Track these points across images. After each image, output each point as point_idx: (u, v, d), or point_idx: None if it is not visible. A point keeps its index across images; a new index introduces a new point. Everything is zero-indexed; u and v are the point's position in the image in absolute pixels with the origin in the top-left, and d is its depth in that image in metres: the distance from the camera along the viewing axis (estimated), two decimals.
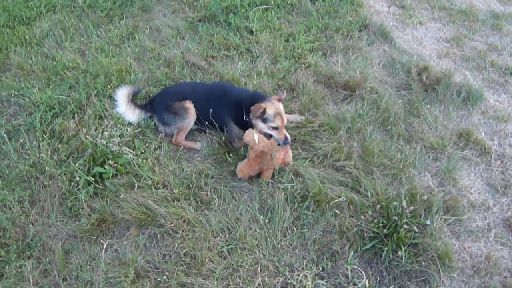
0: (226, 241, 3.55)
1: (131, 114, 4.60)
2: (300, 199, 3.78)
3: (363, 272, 3.37)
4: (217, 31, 6.15)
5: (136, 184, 3.90)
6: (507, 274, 3.42)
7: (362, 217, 3.62)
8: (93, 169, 4.01)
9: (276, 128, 4.01)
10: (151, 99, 4.82)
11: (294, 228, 3.63)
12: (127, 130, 4.37)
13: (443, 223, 3.68)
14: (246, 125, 4.17)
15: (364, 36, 6.14)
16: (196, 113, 4.43)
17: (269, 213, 3.70)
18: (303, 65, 5.45)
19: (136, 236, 3.65)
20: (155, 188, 3.91)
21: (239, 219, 3.67)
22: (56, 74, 5.46)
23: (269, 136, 4.06)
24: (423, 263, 3.36)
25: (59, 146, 4.35)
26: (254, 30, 6.07)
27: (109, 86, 5.04)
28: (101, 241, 3.64)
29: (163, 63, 5.57)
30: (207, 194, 3.89)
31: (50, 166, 4.09)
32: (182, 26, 6.33)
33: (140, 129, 4.53)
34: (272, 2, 6.68)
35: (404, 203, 3.50)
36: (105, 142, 4.05)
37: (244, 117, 4.17)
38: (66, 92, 5.09)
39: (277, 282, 3.31)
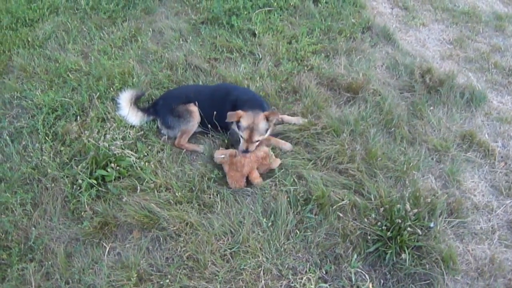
0: (229, 244, 3.52)
1: (134, 117, 4.59)
2: (303, 202, 3.76)
3: (366, 275, 3.34)
4: (219, 33, 6.12)
5: (138, 187, 3.88)
6: None
7: (366, 220, 3.56)
8: (95, 172, 4.00)
9: (242, 138, 4.04)
10: (154, 102, 4.81)
11: (297, 231, 3.60)
12: (129, 133, 4.36)
13: (447, 225, 3.65)
14: None
15: (367, 38, 6.09)
16: (201, 115, 4.42)
17: (272, 216, 3.67)
18: (306, 68, 5.40)
19: (139, 239, 3.63)
20: (157, 191, 3.89)
21: (242, 222, 3.64)
22: (59, 76, 5.44)
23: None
24: (427, 266, 3.32)
25: (62, 148, 4.35)
26: (257, 33, 6.02)
27: (111, 89, 5.03)
28: (104, 244, 3.62)
29: (166, 66, 5.54)
30: (210, 197, 3.86)
31: (53, 168, 4.08)
32: (184, 28, 6.31)
33: (142, 132, 4.50)
34: (275, 4, 6.65)
35: (407, 205, 3.47)
36: (107, 145, 4.04)
37: None
38: (68, 94, 5.06)
39: (280, 286, 3.29)
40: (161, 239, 3.60)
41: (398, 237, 3.37)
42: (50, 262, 3.50)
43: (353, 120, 4.52)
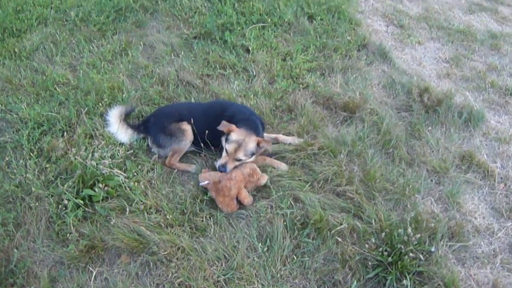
0: (223, 270, 3.35)
1: (123, 134, 4.42)
2: (300, 226, 3.62)
3: None
4: (212, 49, 6.00)
5: (127, 209, 3.70)
6: None
7: (365, 244, 3.44)
8: (82, 191, 3.82)
9: (226, 151, 3.93)
10: (144, 119, 4.66)
11: (294, 257, 3.45)
12: (118, 151, 4.17)
13: (448, 249, 3.55)
14: None
15: (363, 56, 6.06)
16: (194, 133, 4.27)
17: (268, 240, 3.53)
18: (301, 85, 5.32)
19: (128, 264, 3.45)
20: (147, 213, 3.71)
21: (236, 247, 3.48)
22: (46, 90, 5.28)
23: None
24: None
25: (47, 166, 4.15)
26: (250, 49, 5.93)
27: (100, 104, 4.87)
28: (90, 268, 3.42)
29: (157, 81, 5.40)
30: (202, 220, 3.69)
31: (37, 187, 3.88)
32: (176, 43, 6.18)
33: (132, 151, 4.33)
34: (269, 20, 6.56)
35: (409, 230, 3.36)
36: (95, 164, 3.86)
37: None
38: (55, 108, 4.90)
39: None
40: (151, 264, 3.42)
41: (399, 262, 3.26)
42: (32, 287, 3.31)
43: (351, 140, 4.40)
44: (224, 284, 3.28)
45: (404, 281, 3.19)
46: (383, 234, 3.49)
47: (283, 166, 4.20)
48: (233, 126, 3.92)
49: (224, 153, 3.94)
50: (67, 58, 5.98)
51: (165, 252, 3.42)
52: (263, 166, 4.10)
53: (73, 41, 6.33)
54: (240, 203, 3.81)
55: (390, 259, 3.27)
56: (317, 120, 4.73)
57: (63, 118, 4.73)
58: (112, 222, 3.61)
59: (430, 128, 4.77)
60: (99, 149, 4.10)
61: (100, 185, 3.76)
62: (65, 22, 6.88)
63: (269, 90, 5.23)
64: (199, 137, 4.24)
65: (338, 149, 4.30)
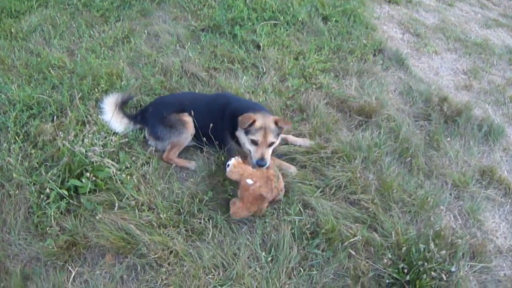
0: (220, 280, 2.99)
1: (118, 123, 4.07)
2: (309, 235, 3.30)
3: None
4: (221, 42, 5.71)
5: (116, 204, 3.32)
6: None
7: (381, 260, 3.14)
8: (68, 181, 3.45)
9: (255, 143, 3.58)
10: (143, 109, 4.33)
11: (301, 269, 3.12)
12: (111, 139, 3.78)
13: (469, 270, 3.25)
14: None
15: (379, 61, 5.78)
16: (196, 126, 3.92)
17: (273, 250, 3.20)
18: (314, 86, 5.02)
19: (112, 266, 3.08)
20: (138, 210, 3.34)
21: (237, 255, 3.15)
22: (39, 72, 4.99)
23: (248, 155, 3.70)
24: None
25: (32, 151, 3.80)
26: (261, 45, 5.65)
27: (96, 90, 4.55)
28: (69, 268, 3.06)
29: (159, 71, 5.09)
30: (200, 223, 3.35)
31: (19, 173, 3.51)
32: (183, 34, 5.87)
33: (127, 140, 3.98)
34: (282, 18, 6.29)
35: (432, 245, 3.04)
36: (84, 151, 3.46)
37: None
38: (47, 92, 4.60)
39: None
40: (139, 268, 3.06)
41: (417, 282, 2.96)
42: (2, 284, 2.99)
43: (366, 146, 4.10)
44: None
45: None
46: (401, 249, 3.16)
47: (292, 169, 3.84)
48: (253, 115, 3.55)
49: (251, 147, 3.61)
50: (66, 42, 5.68)
51: (156, 255, 3.05)
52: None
53: (74, 25, 6.03)
54: None
55: (408, 277, 2.98)
56: (330, 123, 4.44)
57: (55, 102, 4.41)
58: (98, 217, 3.24)
59: (449, 139, 4.50)
60: (90, 135, 3.69)
61: (88, 175, 3.37)
62: (67, 6, 6.56)
63: (280, 88, 4.95)
64: (200, 130, 3.88)
65: (353, 154, 3.99)
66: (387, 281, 3.05)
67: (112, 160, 3.62)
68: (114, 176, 3.47)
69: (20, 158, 3.71)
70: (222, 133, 3.81)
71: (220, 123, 3.76)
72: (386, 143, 4.26)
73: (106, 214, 3.29)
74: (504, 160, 4.47)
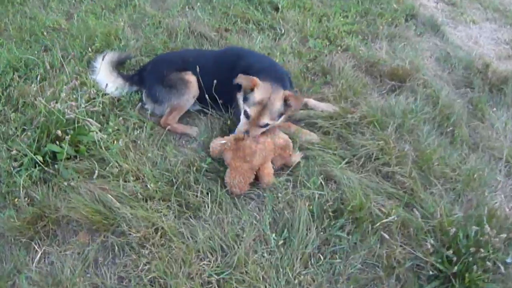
0: (217, 267, 2.46)
1: (111, 83, 3.51)
2: (332, 214, 2.74)
3: None
4: (234, 3, 5.20)
5: (96, 171, 2.78)
6: None
7: (423, 247, 2.60)
8: (45, 146, 2.92)
9: (246, 116, 3.06)
10: (140, 68, 3.82)
11: (321, 257, 2.57)
12: (98, 95, 3.22)
13: None
14: None
15: (411, 26, 5.28)
16: (200, 87, 3.37)
17: (285, 231, 2.65)
18: (339, 48, 4.53)
19: (85, 245, 2.54)
20: (123, 180, 2.79)
21: (240, 237, 2.61)
22: (32, 35, 4.56)
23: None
24: None
25: (12, 115, 3.33)
26: (280, 7, 5.17)
27: (89, 49, 4.05)
28: (35, 246, 2.57)
29: (164, 32, 4.59)
30: (196, 196, 2.81)
31: None
32: None
33: (119, 102, 3.47)
34: None
35: (488, 228, 2.49)
36: (61, 107, 2.89)
37: None
38: (37, 53, 4.16)
39: None
40: (116, 248, 2.54)
41: (467, 274, 2.45)
42: None
43: (400, 112, 3.55)
44: (216, 286, 2.35)
45: None
46: (446, 233, 2.62)
47: (313, 137, 3.28)
48: (256, 79, 3.02)
49: (243, 118, 3.09)
50: (65, 6, 5.24)
51: (138, 234, 2.51)
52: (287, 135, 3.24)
53: None
54: (255, 179, 2.90)
55: (455, 268, 2.45)
56: (358, 86, 3.88)
57: (44, 64, 3.91)
58: (71, 185, 2.71)
59: (494, 109, 4.01)
60: (69, 90, 3.12)
61: (67, 137, 2.80)
62: None
63: (300, 50, 4.46)
64: (206, 91, 3.31)
65: (385, 121, 3.43)
66: (428, 273, 2.52)
67: (100, 123, 3.09)
68: (99, 141, 2.90)
69: None
70: (230, 93, 3.26)
71: (229, 81, 3.17)
72: (423, 110, 3.72)
73: (83, 183, 2.77)
74: None
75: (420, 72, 4.21)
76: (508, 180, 3.33)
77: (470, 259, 2.48)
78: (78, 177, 2.81)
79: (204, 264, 2.45)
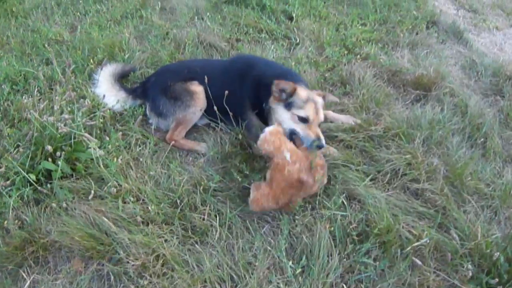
0: None
1: (112, 97, 3.32)
2: (356, 237, 2.49)
3: None
4: (246, 13, 5.01)
5: (92, 191, 2.51)
6: None
7: (459, 273, 2.38)
8: (39, 163, 2.69)
9: (305, 120, 2.82)
10: (144, 80, 3.60)
11: (344, 286, 2.31)
12: (98, 109, 3.01)
13: None
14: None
15: (433, 33, 5.11)
16: (210, 98, 3.11)
17: (304, 258, 2.39)
18: (358, 57, 4.36)
19: (77, 274, 2.29)
20: (122, 201, 2.53)
21: (252, 265, 2.35)
22: (34, 47, 4.41)
23: (292, 135, 2.85)
24: None
25: (8, 131, 3.11)
26: (294, 16, 5.04)
27: (91, 61, 3.87)
28: (23, 274, 2.35)
29: (172, 42, 4.40)
30: (203, 219, 2.56)
31: None
32: (202, 6, 5.21)
33: (121, 116, 3.25)
34: None
35: None
36: (53, 120, 2.66)
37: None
38: (37, 66, 3.99)
39: None
40: (112, 278, 2.28)
41: None
42: None
43: (427, 123, 3.31)
44: None
45: None
46: (485, 257, 2.41)
47: (332, 150, 2.99)
48: (290, 82, 2.85)
49: (298, 124, 2.85)
50: (70, 18, 5.12)
51: (136, 262, 2.24)
52: None
53: (80, 1, 5.43)
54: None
55: None
56: (380, 96, 3.63)
57: (44, 77, 3.74)
58: (64, 207, 2.46)
59: None
60: (64, 101, 2.88)
61: (62, 153, 2.57)
62: None
63: (316, 59, 4.26)
64: (214, 103, 3.05)
65: (411, 133, 3.18)
66: None
67: (100, 139, 2.88)
68: (98, 157, 2.65)
69: None
70: (241, 104, 3.02)
71: (239, 91, 3.00)
72: (452, 121, 3.49)
73: (78, 204, 2.52)
74: None
75: (446, 80, 4.02)
76: None
77: None
78: (73, 198, 2.55)
79: None
